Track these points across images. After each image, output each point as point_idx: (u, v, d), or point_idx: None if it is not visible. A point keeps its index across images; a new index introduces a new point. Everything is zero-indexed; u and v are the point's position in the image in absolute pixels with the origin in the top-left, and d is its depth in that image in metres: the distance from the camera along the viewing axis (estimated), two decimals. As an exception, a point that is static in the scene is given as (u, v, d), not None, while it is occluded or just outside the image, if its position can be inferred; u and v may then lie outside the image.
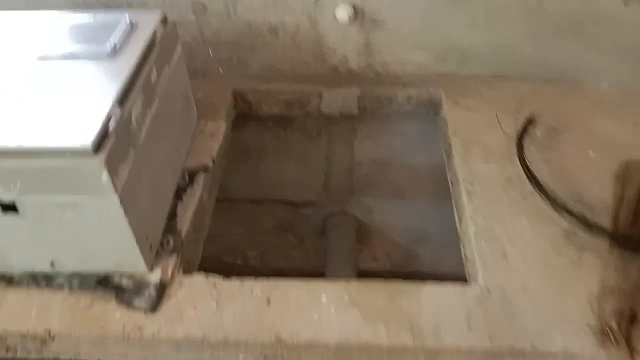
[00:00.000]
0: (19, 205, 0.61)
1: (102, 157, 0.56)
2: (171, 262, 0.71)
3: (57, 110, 0.61)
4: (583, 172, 0.83)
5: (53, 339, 0.66)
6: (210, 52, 0.99)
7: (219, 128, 0.91)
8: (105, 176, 0.57)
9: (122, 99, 0.62)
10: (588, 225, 0.73)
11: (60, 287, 0.69)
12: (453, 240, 0.84)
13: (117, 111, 0.60)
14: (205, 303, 0.68)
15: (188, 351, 0.66)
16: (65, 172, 0.57)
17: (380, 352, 0.64)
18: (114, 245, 0.66)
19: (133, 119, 0.64)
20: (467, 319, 0.65)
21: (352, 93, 0.99)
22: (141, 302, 0.67)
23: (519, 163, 0.84)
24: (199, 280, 0.70)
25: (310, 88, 1.00)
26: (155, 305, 0.67)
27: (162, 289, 0.68)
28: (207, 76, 1.02)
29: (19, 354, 0.69)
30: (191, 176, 0.82)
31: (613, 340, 0.62)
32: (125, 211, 0.62)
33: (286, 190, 1.25)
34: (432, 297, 0.68)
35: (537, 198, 0.79)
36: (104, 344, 0.66)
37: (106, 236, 0.64)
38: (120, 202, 0.60)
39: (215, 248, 1.36)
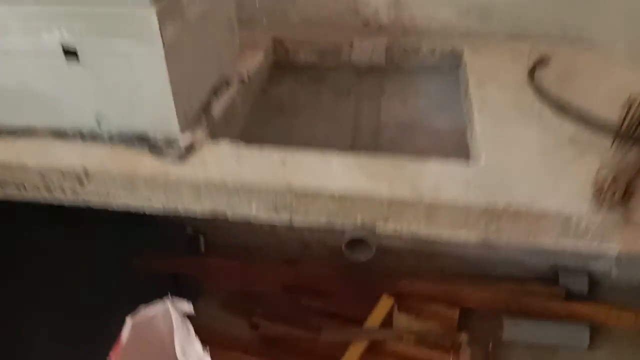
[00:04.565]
0: (79, 52, 0.72)
1: (155, 8, 0.67)
2: (201, 131, 0.79)
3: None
4: (592, 101, 0.88)
5: (88, 177, 0.74)
6: (257, 2, 1.12)
7: (258, 56, 1.02)
8: (155, 24, 0.67)
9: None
10: (595, 124, 0.77)
11: (104, 142, 0.77)
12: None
13: (171, -22, 0.71)
14: (227, 160, 0.75)
15: (206, 197, 0.73)
16: (124, 19, 0.68)
17: (381, 204, 0.69)
18: (155, 101, 0.74)
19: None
20: (466, 183, 0.70)
21: (381, 43, 1.08)
22: (170, 152, 0.75)
23: (529, 93, 0.89)
24: (224, 144, 0.78)
25: (342, 38, 1.10)
26: (183, 157, 0.74)
27: (190, 147, 0.76)
28: (252, 24, 1.13)
29: (56, 195, 0.77)
30: (227, 82, 0.92)
31: (608, 205, 0.65)
32: (168, 66, 0.71)
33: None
34: (435, 165, 0.73)
35: (545, 116, 0.84)
36: (132, 184, 0.74)
37: (149, 90, 0.73)
38: (165, 55, 0.70)
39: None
